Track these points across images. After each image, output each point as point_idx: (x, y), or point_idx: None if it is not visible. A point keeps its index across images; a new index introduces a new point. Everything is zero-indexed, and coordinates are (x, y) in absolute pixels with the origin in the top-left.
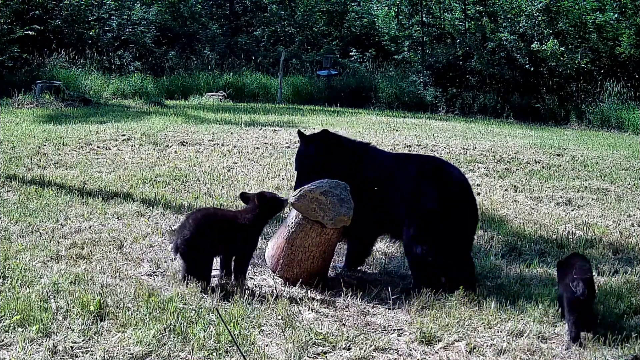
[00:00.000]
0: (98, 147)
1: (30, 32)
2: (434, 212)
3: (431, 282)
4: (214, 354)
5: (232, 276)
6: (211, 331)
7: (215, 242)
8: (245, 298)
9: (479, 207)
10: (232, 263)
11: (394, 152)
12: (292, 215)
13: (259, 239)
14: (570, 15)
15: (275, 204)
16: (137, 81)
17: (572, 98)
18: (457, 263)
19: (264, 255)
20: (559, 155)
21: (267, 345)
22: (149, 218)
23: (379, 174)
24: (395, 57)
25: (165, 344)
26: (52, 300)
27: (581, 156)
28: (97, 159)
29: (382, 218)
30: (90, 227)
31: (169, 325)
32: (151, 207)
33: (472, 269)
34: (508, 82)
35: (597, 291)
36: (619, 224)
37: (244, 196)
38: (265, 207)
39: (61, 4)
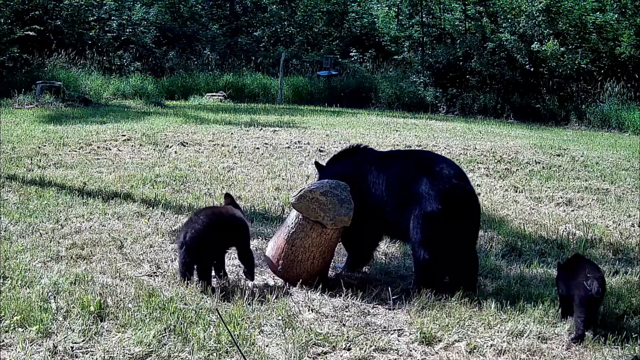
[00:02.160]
0: (98, 147)
1: (30, 33)
2: (436, 213)
3: (435, 284)
4: (214, 354)
5: (242, 272)
6: (211, 331)
7: (223, 239)
8: (245, 298)
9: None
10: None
11: (386, 150)
12: (292, 216)
13: (258, 239)
14: (570, 15)
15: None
16: (137, 81)
17: (572, 98)
18: (461, 262)
19: (264, 255)
20: (559, 155)
21: (267, 346)
22: (149, 218)
23: (375, 178)
24: (396, 57)
25: (165, 344)
26: (52, 301)
27: (581, 156)
28: (97, 159)
29: (384, 220)
30: (90, 228)
31: (169, 325)
32: (151, 208)
33: (475, 268)
34: (508, 83)
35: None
36: (619, 224)
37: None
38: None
39: (61, 4)
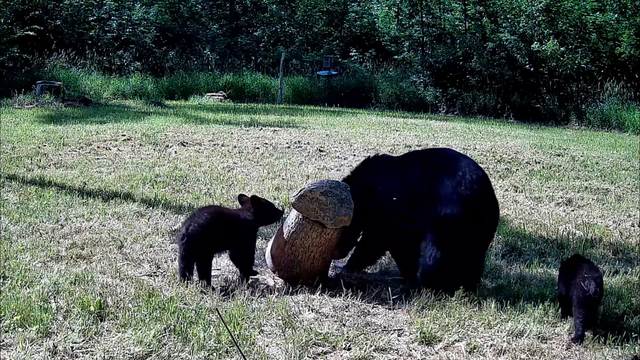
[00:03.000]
0: (98, 147)
1: (30, 33)
2: (455, 217)
3: (439, 285)
4: (214, 354)
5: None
6: (211, 331)
7: (222, 238)
8: (245, 298)
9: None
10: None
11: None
12: (292, 216)
13: (258, 239)
14: (570, 15)
15: (270, 211)
16: (137, 81)
17: (572, 98)
18: (469, 265)
19: (264, 255)
20: (559, 155)
21: (267, 346)
22: (149, 218)
23: (391, 184)
24: (396, 57)
25: (165, 344)
26: (52, 301)
27: (581, 156)
28: (97, 159)
29: (401, 228)
30: (90, 228)
31: (169, 325)
32: (151, 208)
33: (480, 272)
34: (508, 82)
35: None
36: (619, 224)
37: (241, 198)
38: (260, 212)
39: (61, 4)
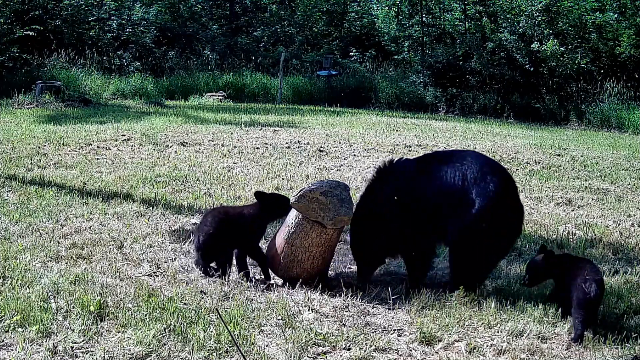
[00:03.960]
0: (98, 147)
1: (30, 33)
2: (477, 230)
3: (471, 285)
4: (214, 354)
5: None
6: (211, 331)
7: (231, 237)
8: (245, 298)
9: None
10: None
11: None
12: (292, 216)
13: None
14: (570, 15)
15: (277, 202)
16: (137, 81)
17: (572, 98)
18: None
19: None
20: (559, 155)
21: (267, 346)
22: (149, 218)
23: (421, 187)
24: (395, 57)
25: (165, 344)
26: (52, 301)
27: (581, 156)
28: (97, 159)
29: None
30: (90, 228)
31: (169, 325)
32: (151, 208)
33: (488, 274)
34: (508, 82)
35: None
36: (619, 224)
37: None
38: (266, 205)
39: (61, 4)
